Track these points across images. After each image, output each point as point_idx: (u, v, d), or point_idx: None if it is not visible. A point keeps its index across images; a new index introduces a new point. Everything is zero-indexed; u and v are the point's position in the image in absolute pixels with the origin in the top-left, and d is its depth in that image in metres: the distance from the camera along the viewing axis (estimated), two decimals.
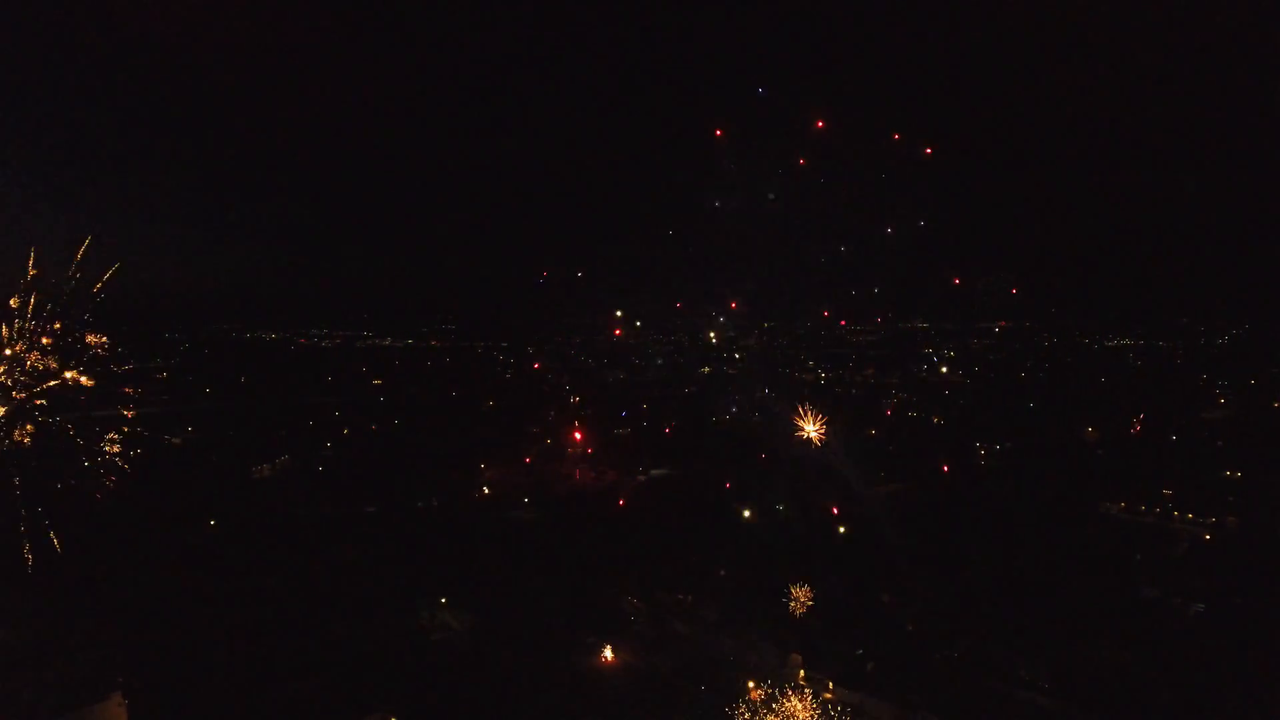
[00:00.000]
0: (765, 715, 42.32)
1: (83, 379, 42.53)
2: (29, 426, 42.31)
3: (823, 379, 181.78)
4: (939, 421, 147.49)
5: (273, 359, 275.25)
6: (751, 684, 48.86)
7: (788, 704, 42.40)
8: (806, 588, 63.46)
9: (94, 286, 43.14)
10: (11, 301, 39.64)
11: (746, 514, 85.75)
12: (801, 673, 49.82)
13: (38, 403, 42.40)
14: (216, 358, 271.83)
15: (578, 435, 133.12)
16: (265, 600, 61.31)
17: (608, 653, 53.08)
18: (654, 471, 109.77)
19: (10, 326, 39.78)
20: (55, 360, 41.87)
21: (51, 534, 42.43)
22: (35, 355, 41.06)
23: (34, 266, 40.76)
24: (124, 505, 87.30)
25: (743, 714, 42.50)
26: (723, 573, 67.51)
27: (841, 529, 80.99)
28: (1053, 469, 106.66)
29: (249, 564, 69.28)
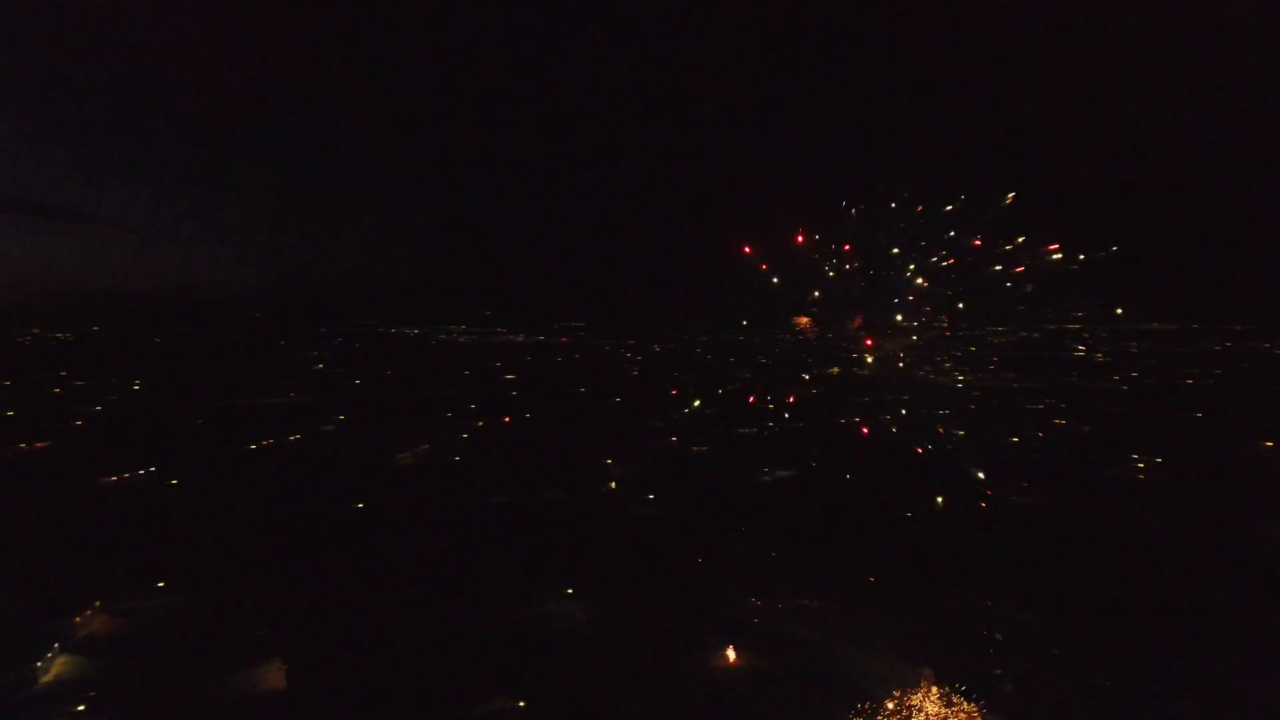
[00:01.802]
0: None
1: None
2: None
3: (960, 382, 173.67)
4: (1089, 430, 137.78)
5: (415, 353, 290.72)
6: (877, 697, 47.31)
7: None
8: (943, 600, 60.83)
9: None
10: None
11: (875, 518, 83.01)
12: (934, 689, 47.69)
13: None
14: (365, 351, 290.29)
15: (705, 434, 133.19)
16: (402, 581, 64.74)
17: (729, 653, 52.75)
18: (778, 472, 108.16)
19: None
20: None
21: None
22: None
23: None
24: (281, 488, 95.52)
25: None
26: (851, 579, 65.67)
27: (981, 540, 76.99)
28: (1223, 487, 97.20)
29: (390, 547, 73.44)
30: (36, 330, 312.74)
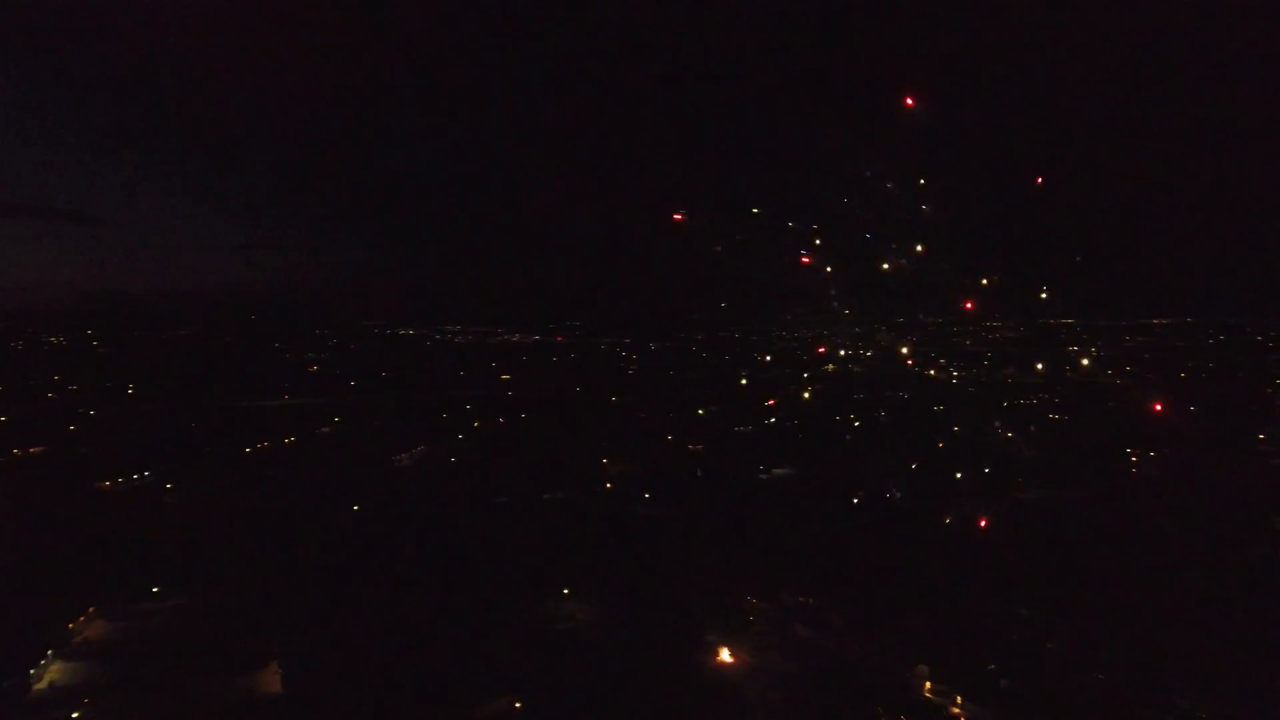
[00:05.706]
0: None
1: None
2: None
3: (955, 378, 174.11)
4: (1085, 424, 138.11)
5: (411, 354, 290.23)
6: (872, 693, 47.36)
7: (909, 717, 40.88)
8: (939, 597, 60.92)
9: None
10: None
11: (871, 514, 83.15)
12: (928, 685, 47.77)
13: None
14: (360, 353, 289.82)
15: (702, 433, 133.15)
16: (401, 583, 64.63)
17: (725, 654, 52.73)
18: (776, 470, 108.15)
19: None
20: None
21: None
22: None
23: None
24: (278, 490, 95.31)
25: None
26: (848, 577, 65.73)
27: (978, 537, 77.21)
28: (1221, 480, 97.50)
29: (387, 549, 73.30)
30: (30, 332, 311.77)
